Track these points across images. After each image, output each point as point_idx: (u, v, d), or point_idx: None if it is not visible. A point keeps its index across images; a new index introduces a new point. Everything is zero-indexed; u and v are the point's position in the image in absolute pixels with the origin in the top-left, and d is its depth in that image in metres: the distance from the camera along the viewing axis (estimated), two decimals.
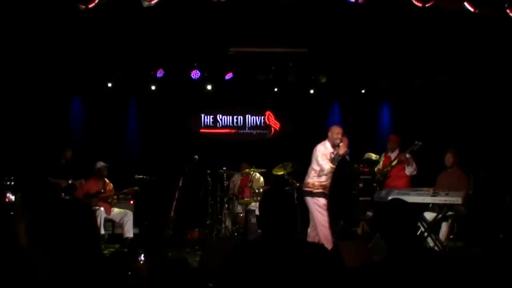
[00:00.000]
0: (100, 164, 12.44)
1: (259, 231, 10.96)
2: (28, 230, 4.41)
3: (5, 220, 4.54)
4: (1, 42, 11.70)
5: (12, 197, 10.98)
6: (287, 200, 4.24)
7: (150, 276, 4.75)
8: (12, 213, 5.89)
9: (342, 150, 10.21)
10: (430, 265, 3.99)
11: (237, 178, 13.92)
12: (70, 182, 12.16)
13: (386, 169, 12.20)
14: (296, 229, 4.21)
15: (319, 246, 4.26)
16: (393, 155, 12.31)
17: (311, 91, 15.45)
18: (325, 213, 10.08)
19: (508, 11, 9.44)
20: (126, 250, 10.30)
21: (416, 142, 11.65)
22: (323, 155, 10.20)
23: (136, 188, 12.43)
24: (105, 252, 9.88)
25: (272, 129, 16.03)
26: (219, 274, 4.07)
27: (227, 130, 15.97)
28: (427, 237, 10.44)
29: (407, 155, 11.80)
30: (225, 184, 13.33)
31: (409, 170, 11.87)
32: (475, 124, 13.78)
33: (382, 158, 12.61)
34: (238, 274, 3.91)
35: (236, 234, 12.75)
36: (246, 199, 12.65)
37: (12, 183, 11.14)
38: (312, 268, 3.86)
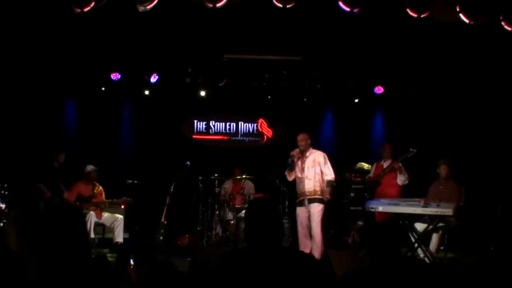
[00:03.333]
0: (90, 167, 12.41)
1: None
2: (18, 234, 4.39)
3: None
4: None
5: (3, 205, 10.99)
6: (272, 208, 4.25)
7: (139, 281, 4.73)
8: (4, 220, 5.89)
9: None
10: (413, 274, 4.01)
11: (228, 185, 13.87)
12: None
13: (377, 177, 12.18)
14: (282, 237, 4.21)
15: (306, 254, 4.27)
16: (385, 163, 12.30)
17: (305, 99, 15.43)
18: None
19: (502, 22, 9.46)
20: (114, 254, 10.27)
21: (411, 149, 11.65)
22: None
23: (128, 199, 12.40)
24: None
25: (265, 136, 16.01)
26: (208, 281, 4.07)
27: (219, 137, 15.95)
28: (417, 248, 10.44)
29: (400, 164, 11.80)
30: (217, 191, 13.34)
31: (401, 179, 11.84)
32: (468, 134, 13.78)
33: (374, 168, 12.61)
34: (227, 281, 3.91)
35: (226, 241, 12.72)
36: (237, 206, 12.64)
37: (4, 192, 11.13)
38: (300, 276, 3.86)
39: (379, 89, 14.65)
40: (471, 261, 9.98)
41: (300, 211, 10.50)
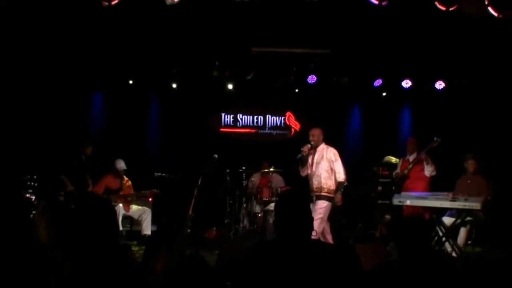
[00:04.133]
0: (120, 164, 12.48)
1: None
2: (48, 226, 4.42)
3: (24, 217, 4.56)
4: (25, 37, 11.78)
5: (32, 197, 11.08)
6: (302, 200, 4.25)
7: (167, 274, 4.75)
8: (33, 211, 5.92)
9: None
10: (441, 269, 4.00)
11: (256, 178, 13.86)
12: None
13: (404, 172, 12.12)
14: (311, 230, 4.21)
15: (335, 247, 4.28)
16: (411, 157, 12.23)
17: (332, 93, 15.39)
18: None
19: None
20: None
21: (435, 138, 11.53)
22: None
23: (156, 190, 12.43)
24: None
25: (292, 129, 16.01)
26: (237, 273, 4.08)
27: (247, 130, 15.98)
28: (445, 242, 10.40)
29: (424, 155, 11.73)
30: (244, 184, 13.34)
31: (428, 170, 11.73)
32: (495, 128, 13.67)
33: (400, 163, 12.54)
34: (255, 273, 3.92)
35: (254, 234, 12.73)
36: (264, 199, 12.64)
37: (32, 183, 11.20)
38: (328, 269, 3.86)
39: (406, 83, 14.57)
40: (498, 255, 9.97)
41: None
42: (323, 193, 10.05)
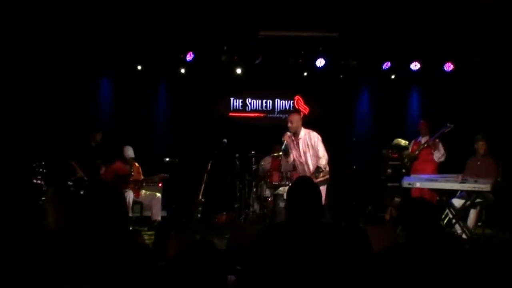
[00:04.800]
0: (128, 152, 12.46)
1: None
2: (57, 212, 4.45)
3: (33, 203, 4.58)
4: (33, 23, 11.79)
5: (41, 182, 11.09)
6: (315, 187, 4.29)
7: (177, 258, 4.77)
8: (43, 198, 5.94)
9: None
10: (451, 251, 4.00)
11: (266, 162, 13.85)
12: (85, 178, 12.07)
13: (415, 152, 12.14)
14: (322, 213, 4.24)
15: (346, 229, 4.29)
16: (423, 140, 12.25)
17: (341, 76, 15.37)
18: None
19: None
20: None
21: (448, 124, 11.55)
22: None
23: (165, 175, 12.42)
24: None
25: (302, 113, 15.98)
26: (247, 256, 4.10)
27: (256, 114, 15.96)
28: (455, 223, 10.41)
29: (437, 140, 11.74)
30: (254, 168, 13.34)
31: (436, 156, 11.80)
32: (505, 109, 13.63)
33: (412, 144, 12.55)
34: (265, 256, 3.94)
35: (264, 218, 12.73)
36: (274, 183, 12.62)
37: (41, 169, 11.23)
38: (339, 251, 3.88)
39: (415, 65, 14.51)
40: (508, 237, 9.97)
41: None
42: (316, 181, 9.97)
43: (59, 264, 3.75)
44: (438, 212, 9.63)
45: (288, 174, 12.15)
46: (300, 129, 10.25)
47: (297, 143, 10.26)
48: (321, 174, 9.83)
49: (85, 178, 11.73)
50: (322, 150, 10.07)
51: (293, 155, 10.38)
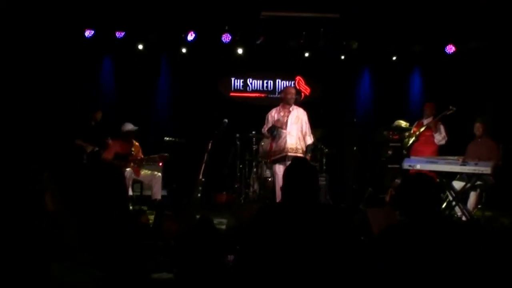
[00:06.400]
0: (129, 126, 12.32)
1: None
2: (52, 197, 4.44)
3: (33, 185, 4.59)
4: (33, 2, 11.76)
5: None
6: (312, 169, 4.32)
7: (177, 237, 4.79)
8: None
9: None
10: (449, 233, 4.00)
11: (266, 142, 13.84)
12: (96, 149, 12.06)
13: (416, 133, 12.14)
14: (318, 194, 4.27)
15: (344, 210, 4.33)
16: (426, 121, 12.24)
17: (342, 57, 15.34)
18: None
19: None
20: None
21: (450, 107, 11.57)
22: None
23: (166, 154, 12.39)
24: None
25: (302, 94, 15.93)
26: (245, 236, 4.11)
27: (257, 94, 15.93)
28: (455, 206, 10.41)
29: (438, 122, 11.75)
30: (254, 148, 13.34)
31: (437, 139, 11.80)
32: (506, 92, 13.61)
33: (415, 125, 12.53)
34: (262, 236, 3.95)
35: (264, 198, 12.74)
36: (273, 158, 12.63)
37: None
38: (336, 231, 3.89)
39: (417, 47, 14.48)
40: (508, 220, 9.98)
41: (280, 169, 10.31)
42: (298, 154, 10.17)
43: (58, 246, 3.75)
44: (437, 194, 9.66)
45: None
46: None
47: (288, 114, 10.43)
48: (311, 153, 10.33)
49: (96, 149, 11.76)
50: (310, 128, 10.41)
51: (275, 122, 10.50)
